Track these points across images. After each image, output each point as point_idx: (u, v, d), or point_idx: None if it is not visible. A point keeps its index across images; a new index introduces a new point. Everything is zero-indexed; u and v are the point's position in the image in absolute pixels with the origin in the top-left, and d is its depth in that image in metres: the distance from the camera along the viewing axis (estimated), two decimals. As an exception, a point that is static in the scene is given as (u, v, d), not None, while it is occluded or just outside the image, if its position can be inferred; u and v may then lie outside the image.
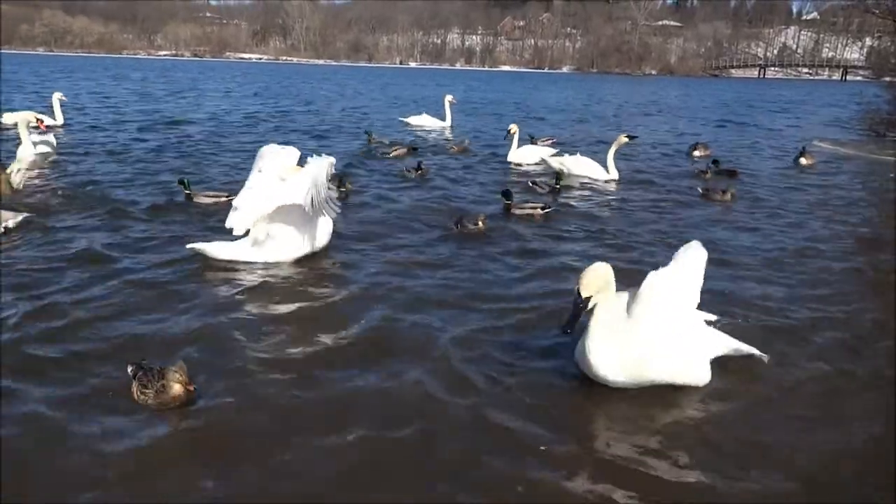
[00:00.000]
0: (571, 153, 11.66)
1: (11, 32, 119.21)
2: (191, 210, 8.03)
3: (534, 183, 10.07)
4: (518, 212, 8.31)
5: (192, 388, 3.53)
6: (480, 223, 7.35)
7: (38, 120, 10.75)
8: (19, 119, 10.56)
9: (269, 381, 3.90)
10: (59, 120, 15.60)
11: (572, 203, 9.30)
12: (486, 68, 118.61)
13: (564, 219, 8.33)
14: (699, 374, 3.93)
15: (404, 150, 13.15)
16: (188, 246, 5.98)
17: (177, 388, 3.47)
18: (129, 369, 3.66)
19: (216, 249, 5.95)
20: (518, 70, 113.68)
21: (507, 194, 8.52)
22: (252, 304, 5.09)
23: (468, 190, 10.06)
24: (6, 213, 6.46)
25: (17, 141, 10.49)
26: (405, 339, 4.52)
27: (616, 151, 11.08)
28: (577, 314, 3.71)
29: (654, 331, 3.78)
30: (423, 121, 18.90)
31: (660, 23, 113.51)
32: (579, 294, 3.68)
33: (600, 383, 3.87)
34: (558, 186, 9.82)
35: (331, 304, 5.18)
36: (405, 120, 19.11)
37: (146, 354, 3.93)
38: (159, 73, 51.11)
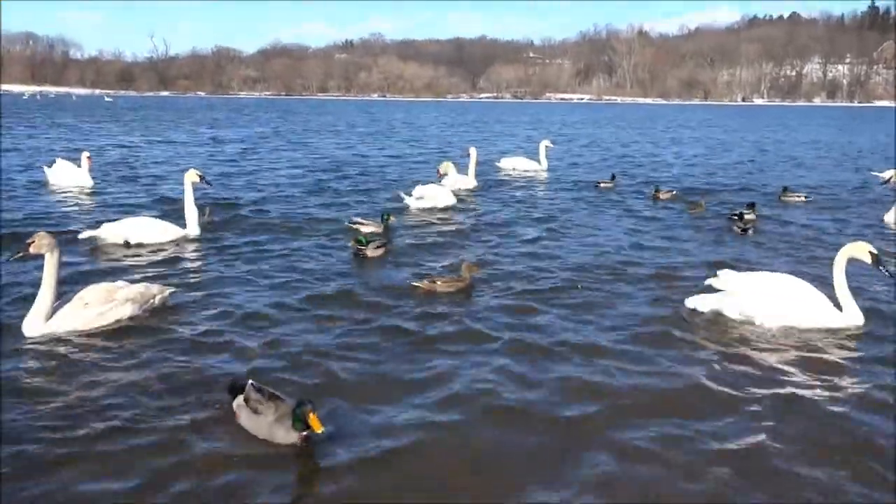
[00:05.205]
0: None
1: (351, 81, 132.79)
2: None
3: None
4: None
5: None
6: None
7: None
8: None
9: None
10: (544, 165, 16.56)
11: None
12: (856, 104, 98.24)
13: None
14: None
15: None
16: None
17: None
18: None
19: None
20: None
21: None
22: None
23: None
24: (154, 288, 6.04)
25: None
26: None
27: None
28: None
29: None
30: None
31: None
32: None
33: None
34: None
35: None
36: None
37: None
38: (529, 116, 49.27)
